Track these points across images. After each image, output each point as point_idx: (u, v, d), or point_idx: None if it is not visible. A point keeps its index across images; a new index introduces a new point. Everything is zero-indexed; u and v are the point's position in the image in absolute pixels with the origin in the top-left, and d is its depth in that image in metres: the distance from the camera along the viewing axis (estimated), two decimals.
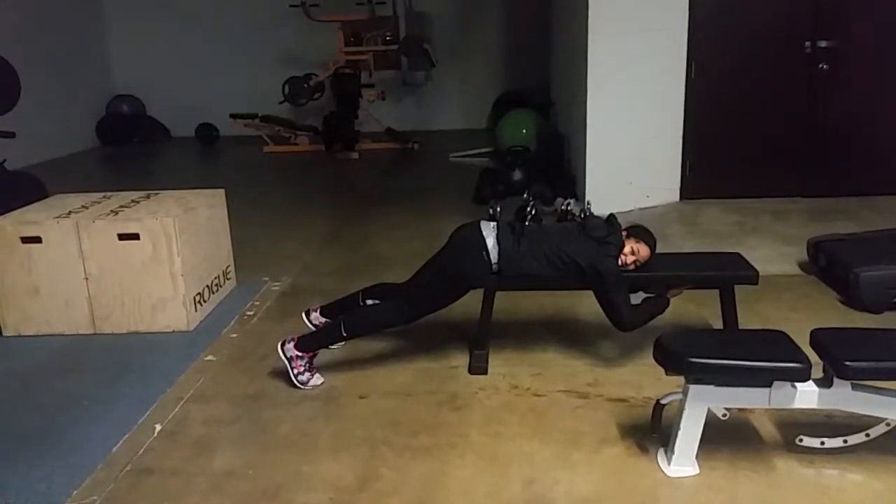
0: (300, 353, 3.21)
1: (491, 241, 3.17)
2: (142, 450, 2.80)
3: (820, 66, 5.58)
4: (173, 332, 3.85)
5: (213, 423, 2.99)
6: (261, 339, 3.76)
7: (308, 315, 3.63)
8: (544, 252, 3.16)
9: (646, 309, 3.21)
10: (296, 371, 3.21)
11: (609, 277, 3.12)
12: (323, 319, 3.57)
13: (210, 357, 3.59)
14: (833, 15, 5.53)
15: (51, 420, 3.04)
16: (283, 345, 3.23)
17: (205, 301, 4.05)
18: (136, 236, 3.74)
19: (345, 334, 3.27)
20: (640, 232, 3.31)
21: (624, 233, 3.25)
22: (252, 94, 10.17)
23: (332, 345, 3.46)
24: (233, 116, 9.82)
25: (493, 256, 3.16)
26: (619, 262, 3.20)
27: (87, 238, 3.76)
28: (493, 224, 3.28)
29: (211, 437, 2.88)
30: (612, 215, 3.37)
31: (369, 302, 3.52)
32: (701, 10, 5.48)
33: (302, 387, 3.21)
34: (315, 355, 3.27)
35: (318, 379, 3.26)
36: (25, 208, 4.09)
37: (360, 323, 3.33)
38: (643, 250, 3.26)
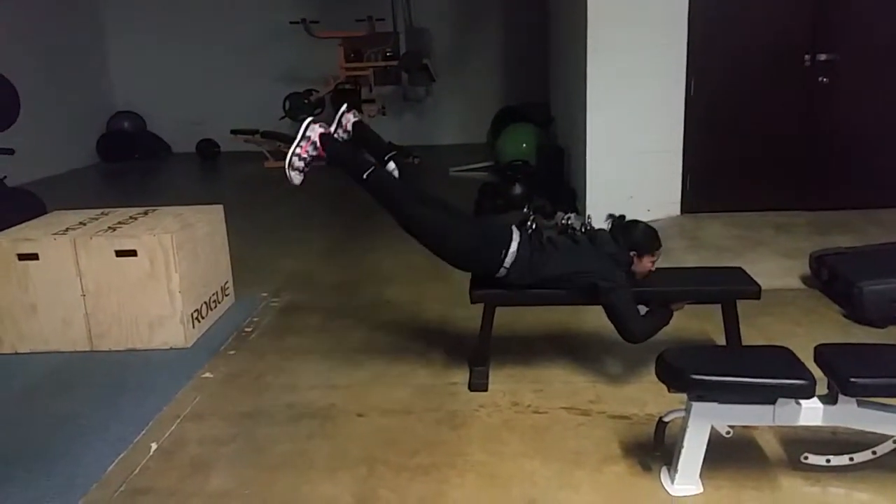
0: (318, 143, 3.09)
1: (514, 247, 3.14)
2: (137, 469, 2.77)
3: (820, 79, 5.57)
4: (171, 349, 3.81)
5: (210, 441, 2.95)
6: (259, 355, 3.73)
7: (342, 116, 3.38)
8: (554, 264, 3.14)
9: (652, 320, 3.18)
10: (298, 151, 3.09)
11: (619, 289, 3.10)
12: (350, 130, 3.37)
13: (207, 374, 3.55)
14: (832, 28, 5.53)
15: (45, 439, 3.01)
16: (312, 123, 3.11)
17: (203, 317, 4.02)
18: (133, 253, 3.72)
19: (364, 177, 3.09)
20: (648, 246, 3.22)
21: (633, 252, 3.18)
22: (253, 110, 10.18)
23: (342, 167, 3.23)
24: (234, 132, 9.82)
25: (508, 261, 3.12)
26: (638, 275, 3.19)
27: (85, 255, 3.73)
28: (518, 232, 3.23)
29: (207, 457, 2.84)
30: (613, 228, 3.28)
31: (391, 166, 3.30)
32: (700, 26, 5.48)
33: (288, 167, 3.09)
34: (324, 158, 3.13)
35: (299, 178, 3.14)
36: (23, 225, 4.07)
37: (382, 182, 3.15)
38: (654, 261, 3.26)
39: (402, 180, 3.27)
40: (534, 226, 3.62)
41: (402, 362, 3.58)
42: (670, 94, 5.56)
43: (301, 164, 3.12)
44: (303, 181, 3.17)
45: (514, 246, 3.14)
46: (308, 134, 3.10)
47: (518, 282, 3.16)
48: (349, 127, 3.38)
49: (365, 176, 3.11)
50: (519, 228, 3.27)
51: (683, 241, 5.23)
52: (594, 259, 3.14)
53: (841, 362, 2.40)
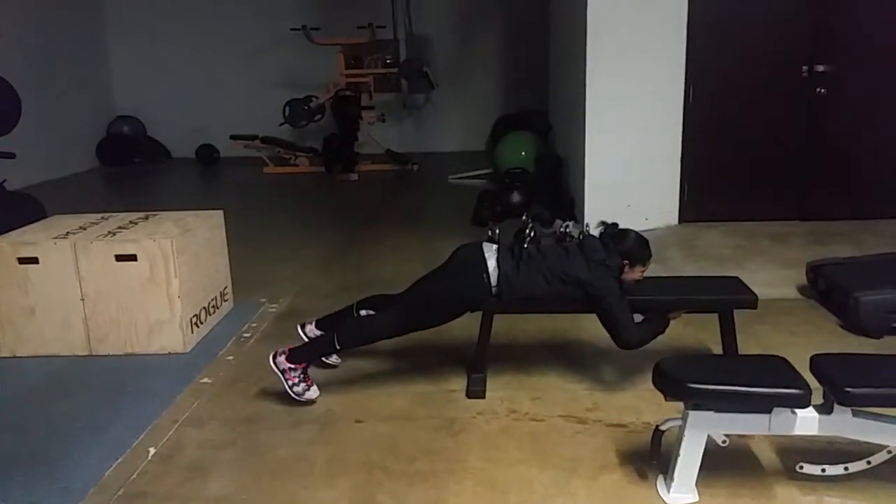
0: (292, 365, 3.18)
1: (492, 264, 3.16)
2: (135, 474, 2.77)
3: (817, 89, 5.60)
4: (169, 353, 3.82)
5: (208, 446, 2.96)
6: (257, 361, 3.72)
7: (303, 328, 3.63)
8: (543, 274, 3.15)
9: (648, 328, 3.20)
10: (290, 383, 3.18)
11: (611, 296, 3.11)
12: (318, 332, 3.56)
13: (206, 379, 3.56)
14: (829, 39, 5.57)
15: (44, 443, 3.01)
16: (274, 357, 3.20)
17: (202, 323, 4.03)
18: (133, 257, 3.73)
19: (338, 346, 3.25)
20: (640, 256, 3.24)
21: (626, 262, 3.19)
22: (253, 116, 10.21)
23: (325, 356, 3.44)
24: (233, 138, 9.85)
25: (494, 279, 3.15)
26: (627, 283, 3.19)
27: (85, 259, 3.75)
28: (494, 246, 3.27)
29: (205, 462, 2.85)
30: (603, 234, 3.30)
31: (363, 313, 3.50)
32: (699, 35, 5.52)
33: (298, 398, 3.18)
34: (308, 366, 3.23)
35: (314, 391, 3.22)
36: (23, 229, 4.08)
37: (353, 334, 3.30)
38: (644, 271, 3.27)
39: (382, 304, 3.45)
40: (532, 233, 3.63)
41: (401, 369, 3.59)
42: (669, 103, 5.59)
43: (304, 385, 3.21)
44: (317, 389, 3.25)
45: (491, 263, 3.16)
46: (281, 369, 3.19)
47: (512, 294, 3.16)
48: (312, 335, 3.57)
49: (338, 346, 3.26)
50: (493, 242, 3.31)
51: (681, 249, 5.25)
52: (585, 268, 3.15)
53: (836, 372, 2.42)
